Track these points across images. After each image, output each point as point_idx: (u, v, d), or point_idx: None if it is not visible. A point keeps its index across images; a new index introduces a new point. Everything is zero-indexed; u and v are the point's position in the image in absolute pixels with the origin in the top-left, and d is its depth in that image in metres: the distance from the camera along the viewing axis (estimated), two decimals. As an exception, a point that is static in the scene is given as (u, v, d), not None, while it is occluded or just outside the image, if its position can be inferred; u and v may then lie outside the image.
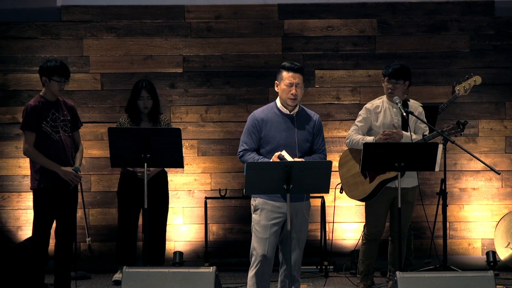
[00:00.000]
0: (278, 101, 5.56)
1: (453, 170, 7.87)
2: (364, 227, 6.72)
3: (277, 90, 5.54)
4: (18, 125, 7.80)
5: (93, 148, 7.83)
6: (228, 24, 7.97)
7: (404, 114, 6.09)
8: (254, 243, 5.47)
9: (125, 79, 7.87)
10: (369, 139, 6.26)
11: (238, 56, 7.96)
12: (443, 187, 6.81)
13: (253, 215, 5.51)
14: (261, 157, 5.42)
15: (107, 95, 7.94)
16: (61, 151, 6.28)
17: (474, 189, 7.94)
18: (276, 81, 5.53)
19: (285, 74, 5.48)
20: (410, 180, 6.34)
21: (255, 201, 5.50)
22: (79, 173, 6.29)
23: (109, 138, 5.93)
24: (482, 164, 6.20)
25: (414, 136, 6.25)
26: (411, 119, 6.32)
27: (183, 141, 5.95)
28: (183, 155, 5.94)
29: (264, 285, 5.46)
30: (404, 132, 6.24)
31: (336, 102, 7.94)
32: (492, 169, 5.99)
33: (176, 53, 7.96)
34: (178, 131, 5.89)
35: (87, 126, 7.51)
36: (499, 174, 6.33)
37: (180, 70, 7.97)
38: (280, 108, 5.52)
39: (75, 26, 7.94)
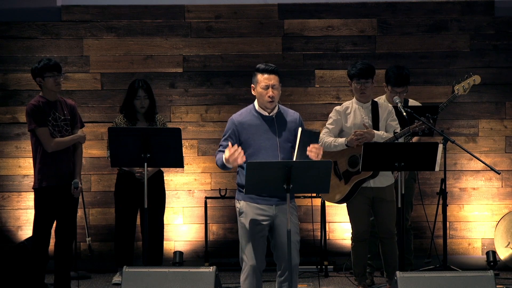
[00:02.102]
0: (256, 103, 5.42)
1: (453, 170, 7.87)
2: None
3: (254, 94, 5.40)
4: (18, 125, 7.84)
5: (93, 148, 7.83)
6: (228, 23, 7.97)
7: (404, 114, 6.10)
8: (242, 247, 5.35)
9: (125, 79, 7.87)
10: (341, 140, 6.25)
11: (238, 56, 7.96)
12: (443, 187, 6.82)
13: (239, 218, 5.38)
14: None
15: (107, 95, 7.94)
16: (62, 151, 6.28)
17: (474, 189, 7.94)
18: (252, 85, 5.39)
19: (260, 76, 5.33)
20: (384, 178, 6.31)
21: (239, 203, 5.37)
22: (79, 186, 6.26)
23: (109, 138, 5.92)
24: (482, 164, 6.20)
25: (385, 135, 6.24)
26: (382, 118, 6.33)
27: (183, 141, 5.95)
28: (183, 155, 5.94)
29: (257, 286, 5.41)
30: (375, 131, 6.23)
31: (336, 102, 7.93)
32: (492, 169, 5.98)
33: (176, 53, 7.96)
34: (178, 131, 5.89)
35: (87, 126, 7.47)
36: (499, 174, 6.34)
37: (180, 70, 7.97)
38: (259, 111, 5.38)
39: (75, 26, 7.94)
